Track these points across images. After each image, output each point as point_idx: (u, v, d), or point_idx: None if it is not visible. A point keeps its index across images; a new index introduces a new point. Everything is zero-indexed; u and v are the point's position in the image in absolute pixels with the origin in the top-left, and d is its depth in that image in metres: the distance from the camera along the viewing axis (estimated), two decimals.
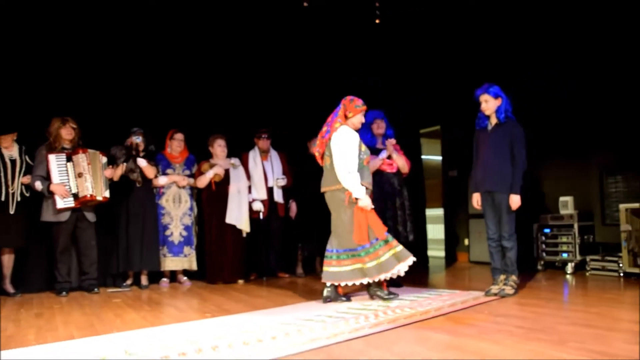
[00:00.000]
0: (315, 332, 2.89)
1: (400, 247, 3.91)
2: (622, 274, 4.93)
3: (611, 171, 5.28)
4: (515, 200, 4.07)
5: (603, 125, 5.33)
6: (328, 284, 3.97)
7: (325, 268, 3.99)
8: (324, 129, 4.08)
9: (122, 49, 5.80)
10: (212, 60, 6.37)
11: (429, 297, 4.06)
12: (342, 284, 3.93)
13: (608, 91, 5.34)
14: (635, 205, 4.92)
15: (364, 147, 4.03)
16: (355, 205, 3.88)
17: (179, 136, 5.66)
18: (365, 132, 4.87)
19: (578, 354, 2.29)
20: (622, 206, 4.94)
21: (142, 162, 5.28)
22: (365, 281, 3.89)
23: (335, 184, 3.93)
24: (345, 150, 3.89)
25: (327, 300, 3.97)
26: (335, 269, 3.94)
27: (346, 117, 4.03)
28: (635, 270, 4.76)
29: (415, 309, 3.48)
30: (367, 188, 3.94)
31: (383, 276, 3.85)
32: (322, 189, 4.07)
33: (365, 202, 3.86)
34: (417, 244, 4.15)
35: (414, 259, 3.89)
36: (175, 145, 5.64)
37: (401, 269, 3.85)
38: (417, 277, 4.03)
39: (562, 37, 6.07)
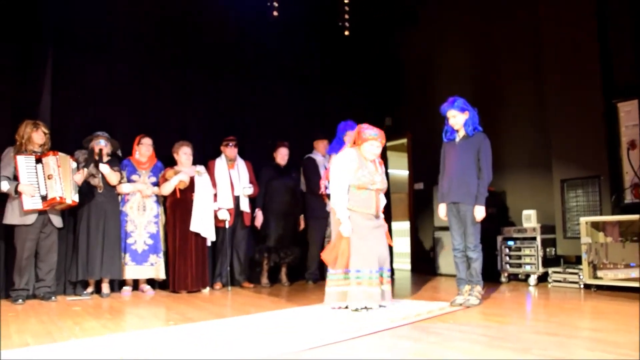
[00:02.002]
0: (281, 339, 2.85)
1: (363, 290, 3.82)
2: (582, 286, 5.04)
3: (572, 185, 5.40)
4: (479, 212, 4.13)
5: (565, 139, 5.45)
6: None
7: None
8: None
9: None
10: (182, 66, 6.29)
11: (395, 307, 4.05)
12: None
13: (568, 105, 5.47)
14: (595, 218, 5.04)
15: (361, 173, 3.89)
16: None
17: (147, 141, 5.55)
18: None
19: None
20: (583, 219, 5.04)
21: (104, 168, 5.14)
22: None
23: None
24: (334, 171, 3.97)
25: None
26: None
27: (357, 143, 4.05)
28: (595, 282, 4.87)
29: (381, 318, 3.48)
30: (355, 212, 3.88)
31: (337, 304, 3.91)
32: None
33: (342, 228, 3.86)
34: None
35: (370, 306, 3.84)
36: (144, 150, 5.53)
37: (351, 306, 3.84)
38: None
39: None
